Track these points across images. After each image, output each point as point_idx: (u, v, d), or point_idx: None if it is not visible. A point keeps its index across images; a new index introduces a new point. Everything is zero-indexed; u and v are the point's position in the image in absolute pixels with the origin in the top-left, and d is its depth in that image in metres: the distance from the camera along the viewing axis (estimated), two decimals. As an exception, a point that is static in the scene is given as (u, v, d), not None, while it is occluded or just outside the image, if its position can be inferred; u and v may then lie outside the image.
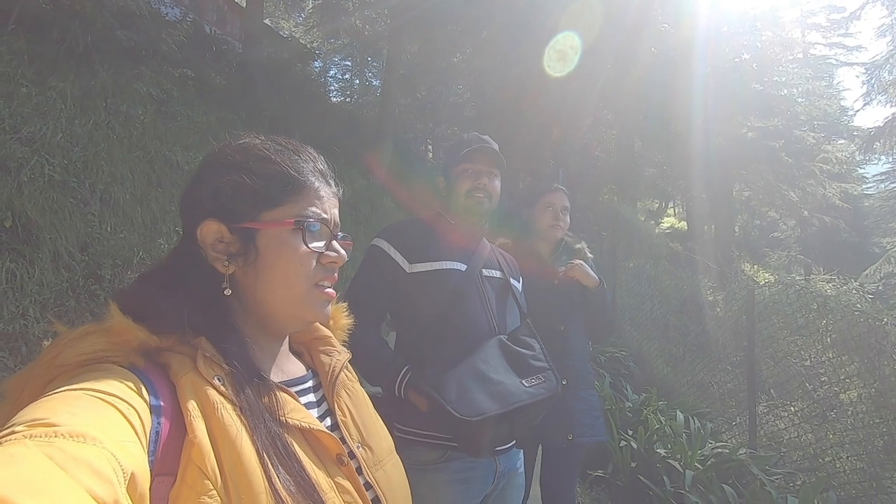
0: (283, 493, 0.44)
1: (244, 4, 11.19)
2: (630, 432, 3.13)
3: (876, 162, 16.71)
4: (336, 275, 0.60)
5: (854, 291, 10.26)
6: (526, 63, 9.01)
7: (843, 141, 17.31)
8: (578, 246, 1.85)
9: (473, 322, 1.23)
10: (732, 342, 5.09)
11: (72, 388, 0.39)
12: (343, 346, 0.69)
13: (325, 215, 0.58)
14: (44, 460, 0.31)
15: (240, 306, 0.56)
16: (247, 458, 0.44)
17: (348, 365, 0.68)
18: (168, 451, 0.42)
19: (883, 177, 18.60)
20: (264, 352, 0.58)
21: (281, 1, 13.04)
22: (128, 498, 0.34)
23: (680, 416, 3.30)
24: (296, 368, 0.63)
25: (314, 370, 0.65)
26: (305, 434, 0.52)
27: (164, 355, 0.47)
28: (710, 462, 2.79)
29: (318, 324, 0.65)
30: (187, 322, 0.49)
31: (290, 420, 0.51)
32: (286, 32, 16.53)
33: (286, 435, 0.49)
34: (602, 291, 1.73)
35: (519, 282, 1.42)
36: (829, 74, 20.04)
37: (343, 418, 0.60)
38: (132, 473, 0.35)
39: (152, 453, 0.40)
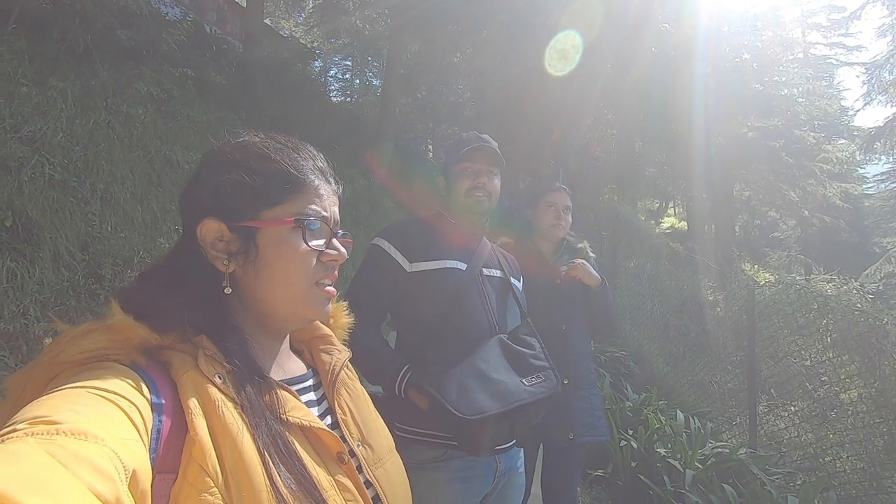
0: (284, 491, 0.44)
1: (244, 4, 11.19)
2: (630, 432, 3.13)
3: (876, 162, 16.72)
4: (336, 273, 0.60)
5: (854, 291, 10.24)
6: (526, 62, 8.99)
7: (843, 141, 17.32)
8: (580, 245, 1.85)
9: (474, 321, 1.23)
10: (733, 342, 5.09)
11: (73, 385, 0.39)
12: (343, 344, 0.69)
13: (325, 213, 0.58)
14: (46, 458, 0.31)
15: (240, 305, 0.56)
16: (248, 455, 0.44)
17: (349, 363, 0.68)
18: (169, 449, 0.42)
19: (883, 177, 18.59)
20: (265, 350, 0.58)
21: (281, 1, 13.03)
22: (129, 495, 0.34)
23: (680, 415, 3.30)
24: (296, 367, 0.63)
25: (315, 369, 0.65)
26: (306, 432, 0.52)
27: (165, 353, 0.47)
28: (710, 462, 2.79)
29: (318, 322, 0.65)
30: (188, 320, 0.49)
31: (290, 418, 0.51)
32: (286, 32, 16.53)
33: (287, 433, 0.49)
34: (604, 291, 1.73)
35: (519, 281, 1.42)
36: (829, 74, 19.99)
37: (343, 416, 0.60)
38: (134, 471, 0.36)
39: (154, 451, 0.41)
